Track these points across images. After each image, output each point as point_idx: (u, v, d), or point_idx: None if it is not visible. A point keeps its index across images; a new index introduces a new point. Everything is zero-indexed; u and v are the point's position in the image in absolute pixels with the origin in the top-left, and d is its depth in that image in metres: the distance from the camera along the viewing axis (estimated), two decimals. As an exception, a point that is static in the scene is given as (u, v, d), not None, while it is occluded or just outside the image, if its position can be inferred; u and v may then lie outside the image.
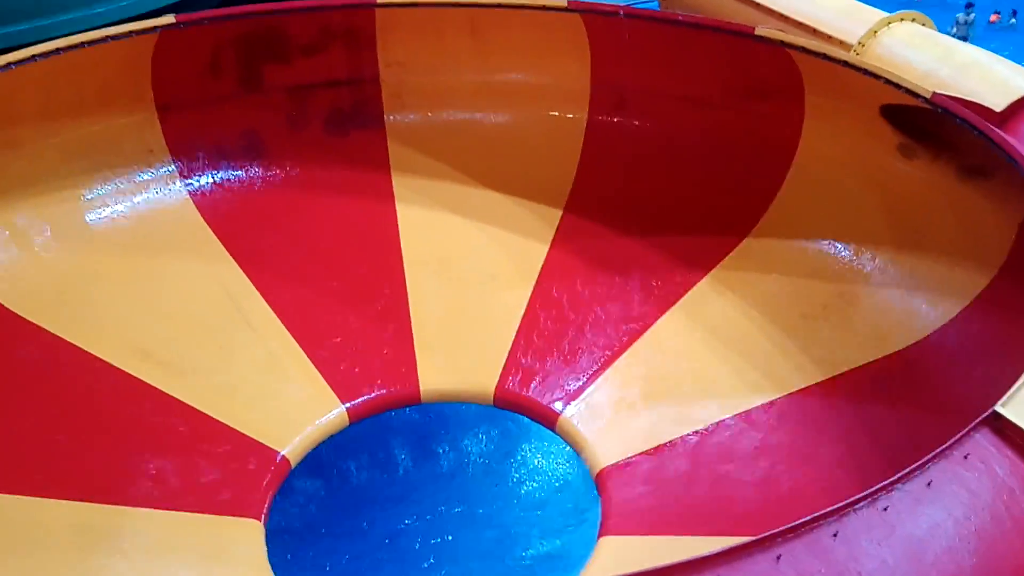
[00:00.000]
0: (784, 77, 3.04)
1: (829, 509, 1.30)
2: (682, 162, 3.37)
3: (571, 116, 3.49)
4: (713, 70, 3.22)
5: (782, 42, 2.93)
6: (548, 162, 3.50)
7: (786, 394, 2.72)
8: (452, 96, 3.51)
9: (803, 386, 2.73)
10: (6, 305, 2.80)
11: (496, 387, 2.91)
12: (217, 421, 2.69)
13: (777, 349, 2.86)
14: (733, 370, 2.85)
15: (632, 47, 3.29)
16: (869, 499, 1.33)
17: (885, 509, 1.33)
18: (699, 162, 3.34)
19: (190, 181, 3.25)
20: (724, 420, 2.69)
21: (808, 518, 1.29)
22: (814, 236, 3.07)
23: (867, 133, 2.94)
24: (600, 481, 2.62)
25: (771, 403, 2.71)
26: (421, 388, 2.92)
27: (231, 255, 3.16)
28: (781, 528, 1.27)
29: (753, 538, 1.27)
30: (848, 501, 1.32)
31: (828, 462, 2.47)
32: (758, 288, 3.04)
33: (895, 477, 1.36)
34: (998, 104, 2.59)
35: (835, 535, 1.29)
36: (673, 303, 3.09)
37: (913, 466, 1.40)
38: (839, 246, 3.02)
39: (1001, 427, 1.51)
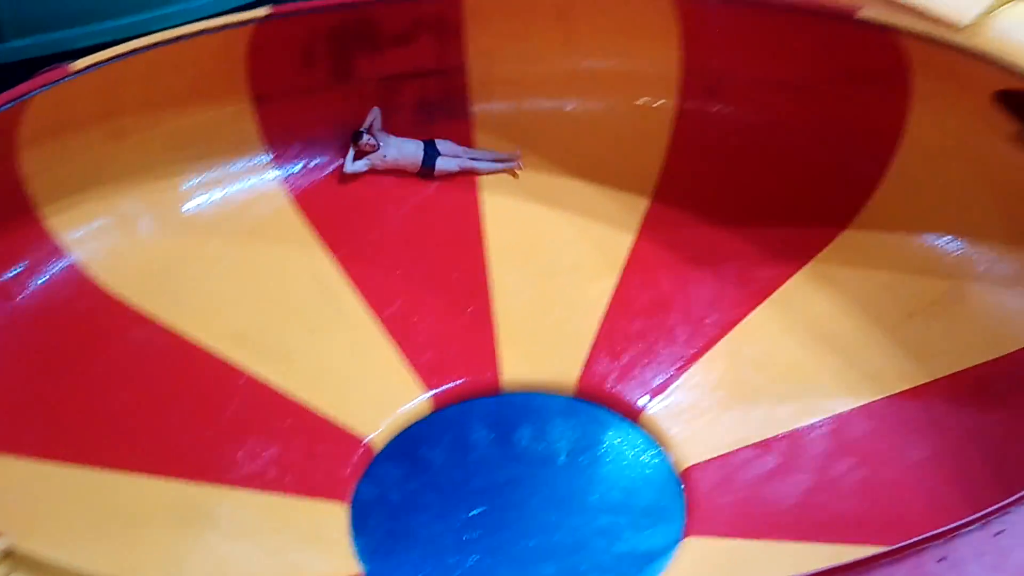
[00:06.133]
0: (888, 62, 2.89)
1: (936, 532, 1.22)
2: (777, 149, 3.25)
3: (660, 103, 3.42)
4: (811, 54, 3.09)
5: (886, 25, 2.79)
6: (636, 150, 3.43)
7: (886, 396, 2.60)
8: (539, 84, 3.48)
9: (904, 388, 2.60)
10: (109, 289, 2.95)
11: (579, 379, 2.88)
12: (306, 407, 2.76)
13: (876, 348, 2.73)
14: (828, 369, 2.73)
15: (724, 31, 3.19)
16: (981, 522, 1.25)
17: (998, 534, 1.24)
18: (796, 149, 3.21)
19: (283, 170, 3.33)
20: (817, 422, 2.59)
21: (913, 540, 1.21)
22: (920, 229, 2.92)
23: (979, 120, 2.78)
24: (685, 479, 2.57)
25: (869, 405, 2.59)
26: (503, 378, 2.92)
27: (321, 242, 3.23)
28: (883, 549, 1.20)
29: (852, 557, 1.21)
30: (957, 524, 1.24)
31: (931, 473, 2.34)
32: (857, 283, 2.91)
33: (1011, 499, 1.27)
34: None
35: (941, 560, 1.21)
36: (766, 297, 2.99)
37: (1031, 487, 1.31)
38: (947, 240, 2.87)
39: None
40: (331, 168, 3.40)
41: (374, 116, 3.38)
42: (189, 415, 2.73)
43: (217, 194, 3.25)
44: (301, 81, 3.29)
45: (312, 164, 3.38)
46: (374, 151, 3.35)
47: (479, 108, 3.48)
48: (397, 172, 3.41)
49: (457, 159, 3.41)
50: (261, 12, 3.03)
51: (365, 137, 3.33)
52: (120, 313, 2.91)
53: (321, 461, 2.65)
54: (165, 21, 3.72)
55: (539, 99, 3.48)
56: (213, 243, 3.17)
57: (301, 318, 3.04)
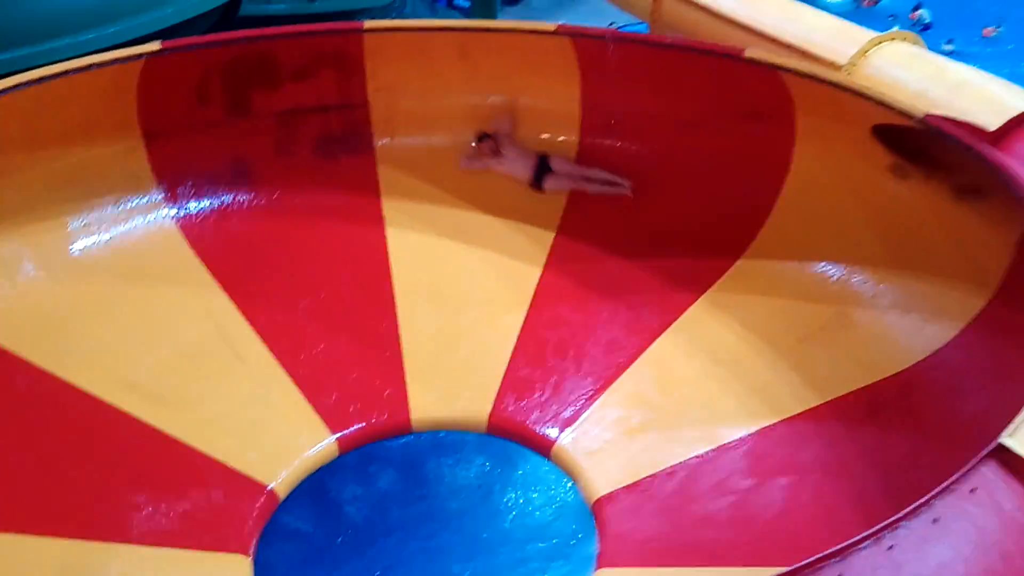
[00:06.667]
0: (774, 99, 3.03)
1: (833, 549, 1.26)
2: (674, 184, 3.35)
3: (562, 139, 3.48)
4: (703, 92, 3.21)
5: (771, 64, 2.93)
6: (540, 185, 3.48)
7: (783, 419, 2.68)
8: (442, 120, 3.49)
9: (800, 410, 2.69)
10: (-10, 337, 2.76)
11: (489, 414, 2.86)
12: (204, 455, 2.64)
13: (773, 372, 2.83)
14: (729, 394, 2.81)
15: (622, 70, 3.28)
16: (874, 538, 1.29)
17: (890, 548, 1.29)
18: (691, 184, 3.32)
19: (177, 209, 3.22)
20: (721, 446, 2.65)
21: (811, 559, 1.24)
22: (808, 257, 3.04)
23: (859, 154, 2.93)
24: (596, 510, 2.57)
25: (768, 429, 2.67)
26: (412, 416, 2.87)
27: (219, 283, 3.12)
28: (784, 570, 1.22)
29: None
30: (852, 541, 1.28)
31: (827, 490, 2.42)
32: (752, 310, 3.01)
33: (900, 514, 1.32)
34: (992, 123, 2.57)
35: (839, 576, 1.25)
36: (667, 326, 3.06)
37: (918, 502, 1.36)
38: (833, 267, 3.00)
39: (1007, 459, 1.47)
40: (227, 206, 3.30)
41: (505, 122, 3.44)
42: (77, 469, 2.56)
43: (107, 235, 3.11)
44: (195, 117, 3.20)
45: (208, 202, 3.27)
46: (492, 156, 3.42)
47: (382, 143, 3.46)
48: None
49: (568, 178, 3.44)
50: (153, 46, 2.94)
51: (487, 141, 3.41)
52: (3, 362, 2.72)
53: (221, 511, 2.53)
54: (53, 55, 3.56)
55: (443, 134, 3.49)
56: (103, 286, 3.02)
57: (199, 363, 2.92)
